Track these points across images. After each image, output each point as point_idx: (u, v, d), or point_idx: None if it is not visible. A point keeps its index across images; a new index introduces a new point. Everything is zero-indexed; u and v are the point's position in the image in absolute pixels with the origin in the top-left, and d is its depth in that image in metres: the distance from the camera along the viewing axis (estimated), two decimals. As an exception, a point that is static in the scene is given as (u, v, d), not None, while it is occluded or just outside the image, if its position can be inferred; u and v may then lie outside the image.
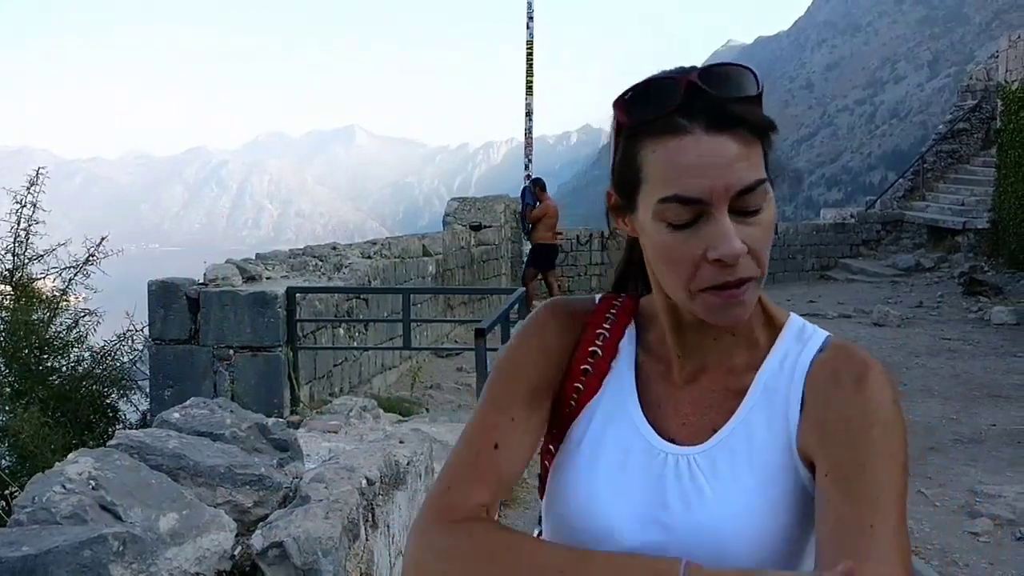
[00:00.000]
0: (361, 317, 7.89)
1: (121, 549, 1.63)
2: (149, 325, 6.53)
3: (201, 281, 6.75)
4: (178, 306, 6.52)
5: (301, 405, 6.48)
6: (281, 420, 2.54)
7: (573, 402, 1.10)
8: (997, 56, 18.51)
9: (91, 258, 6.79)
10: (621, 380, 1.10)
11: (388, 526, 2.32)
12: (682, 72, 0.95)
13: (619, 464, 1.05)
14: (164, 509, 1.91)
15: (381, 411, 4.26)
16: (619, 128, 0.99)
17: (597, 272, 17.15)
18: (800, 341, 1.07)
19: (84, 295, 7.36)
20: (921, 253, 17.56)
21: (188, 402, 2.67)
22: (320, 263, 8.18)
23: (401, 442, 2.94)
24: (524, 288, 7.27)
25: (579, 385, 1.10)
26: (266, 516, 2.21)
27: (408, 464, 2.61)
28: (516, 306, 6.08)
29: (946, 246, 17.46)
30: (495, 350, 5.19)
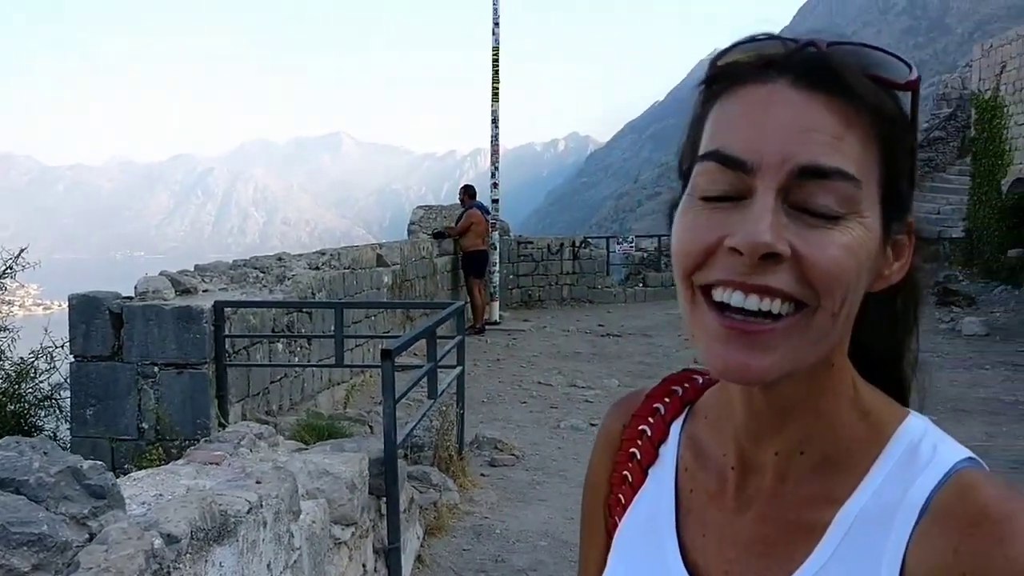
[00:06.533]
0: (303, 332, 7.57)
1: None
2: (70, 341, 6.20)
3: (129, 294, 6.42)
4: (100, 321, 6.19)
5: (228, 426, 6.15)
6: (99, 463, 2.24)
7: (618, 518, 0.85)
8: (971, 65, 18.40)
9: (8, 271, 6.45)
10: (658, 497, 0.81)
11: (196, 591, 2.02)
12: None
13: None
14: None
15: (280, 438, 3.97)
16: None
17: (568, 282, 16.74)
18: (911, 465, 0.69)
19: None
20: (896, 262, 17.40)
21: None
22: (262, 275, 7.87)
23: (258, 482, 2.64)
24: (464, 302, 6.99)
25: (621, 497, 0.85)
26: (51, 581, 1.91)
27: (249, 511, 2.31)
28: (451, 320, 5.80)
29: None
30: (417, 366, 4.91)
